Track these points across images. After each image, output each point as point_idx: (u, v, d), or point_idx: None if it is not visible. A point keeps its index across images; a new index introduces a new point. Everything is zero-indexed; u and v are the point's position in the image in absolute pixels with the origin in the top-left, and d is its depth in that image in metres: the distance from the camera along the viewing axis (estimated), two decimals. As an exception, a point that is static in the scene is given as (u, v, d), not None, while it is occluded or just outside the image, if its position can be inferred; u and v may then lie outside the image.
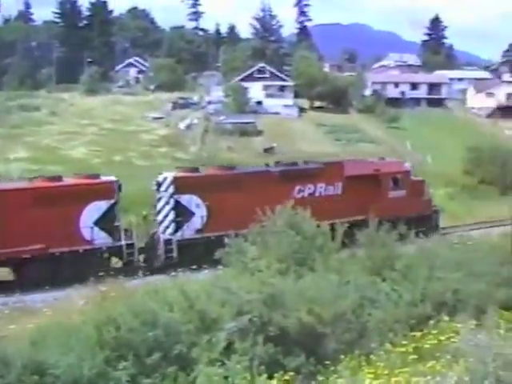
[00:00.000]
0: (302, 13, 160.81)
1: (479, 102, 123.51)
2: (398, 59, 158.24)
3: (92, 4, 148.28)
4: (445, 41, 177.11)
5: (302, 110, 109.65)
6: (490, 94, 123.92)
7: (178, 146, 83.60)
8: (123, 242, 33.84)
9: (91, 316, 14.27)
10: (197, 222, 35.75)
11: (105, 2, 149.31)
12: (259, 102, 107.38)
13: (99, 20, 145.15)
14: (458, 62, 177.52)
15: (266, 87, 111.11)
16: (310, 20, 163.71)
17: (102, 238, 33.98)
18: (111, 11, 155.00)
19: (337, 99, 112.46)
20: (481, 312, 12.70)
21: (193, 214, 35.74)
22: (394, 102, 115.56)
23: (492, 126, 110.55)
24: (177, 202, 35.59)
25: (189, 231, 35.55)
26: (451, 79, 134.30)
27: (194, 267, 29.64)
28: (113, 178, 35.59)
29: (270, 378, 12.19)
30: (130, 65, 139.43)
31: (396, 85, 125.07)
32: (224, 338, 13.42)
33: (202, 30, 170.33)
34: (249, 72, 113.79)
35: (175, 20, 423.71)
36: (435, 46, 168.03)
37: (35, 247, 31.62)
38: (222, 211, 35.27)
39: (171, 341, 13.44)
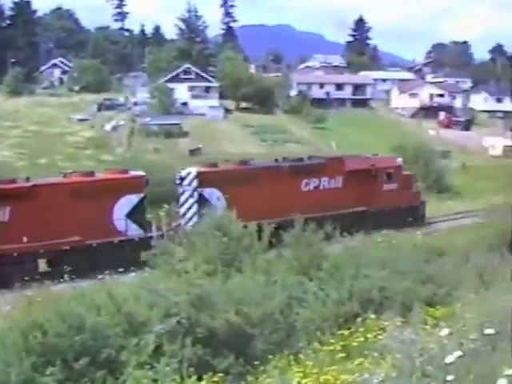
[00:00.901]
0: (228, 14, 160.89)
1: (403, 102, 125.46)
2: (322, 60, 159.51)
3: (15, 3, 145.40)
4: (369, 42, 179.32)
5: (227, 111, 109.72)
6: (414, 95, 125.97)
7: (104, 148, 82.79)
8: (154, 233, 34.35)
9: (17, 321, 14.01)
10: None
11: (28, 2, 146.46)
12: (185, 103, 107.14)
13: (23, 20, 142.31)
14: (382, 63, 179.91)
15: (191, 88, 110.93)
16: (235, 21, 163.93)
17: (133, 230, 36.42)
18: (35, 11, 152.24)
19: (262, 100, 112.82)
20: (407, 309, 12.85)
21: (212, 206, 35.66)
22: (319, 103, 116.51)
23: (416, 125, 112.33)
24: (200, 195, 38.40)
25: None
26: (375, 80, 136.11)
27: (121, 270, 29.80)
28: (142, 173, 38.47)
29: (200, 379, 12.13)
30: (55, 66, 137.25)
31: (321, 85, 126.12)
32: (152, 341, 13.31)
33: (127, 30, 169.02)
34: (174, 73, 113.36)
35: (100, 20, 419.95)
36: (359, 47, 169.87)
37: (73, 239, 33.57)
38: (240, 203, 35.34)
39: (99, 345, 13.27)
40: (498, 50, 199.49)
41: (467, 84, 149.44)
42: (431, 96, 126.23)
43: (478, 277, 16.64)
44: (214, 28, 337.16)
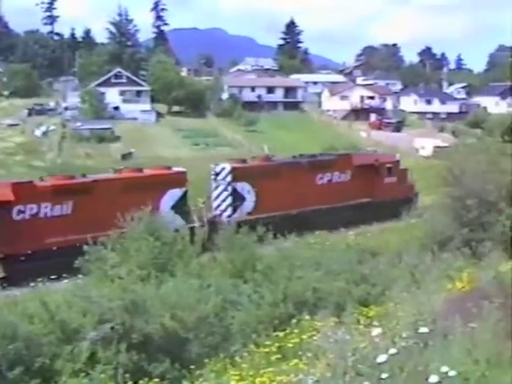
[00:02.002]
0: (159, 17, 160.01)
1: (334, 104, 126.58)
2: (254, 63, 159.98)
3: None
4: (300, 45, 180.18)
5: (159, 114, 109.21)
6: (345, 97, 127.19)
7: (35, 154, 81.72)
8: (196, 224, 37.28)
9: None
10: (248, 205, 42.42)
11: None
12: (116, 108, 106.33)
13: None
14: (313, 66, 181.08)
15: (122, 92, 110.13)
16: (166, 24, 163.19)
17: (177, 221, 37.16)
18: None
19: (194, 104, 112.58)
20: (341, 309, 12.96)
21: (244, 198, 42.40)
22: (251, 106, 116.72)
23: (347, 127, 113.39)
24: (233, 189, 42.08)
25: (242, 213, 41.20)
26: (306, 83, 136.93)
27: (54, 277, 29.53)
28: (183, 169, 42.13)
29: (135, 385, 12.07)
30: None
31: (252, 89, 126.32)
32: (87, 348, 13.17)
33: (57, 34, 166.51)
34: (105, 77, 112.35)
35: (30, 24, 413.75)
36: (291, 50, 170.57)
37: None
38: (266, 196, 42.26)
39: (33, 353, 13.09)
40: (426, 52, 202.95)
41: (397, 86, 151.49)
42: (362, 98, 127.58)
43: (410, 276, 16.86)
44: (145, 32, 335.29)
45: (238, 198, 42.12)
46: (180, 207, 39.77)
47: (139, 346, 13.65)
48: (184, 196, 40.38)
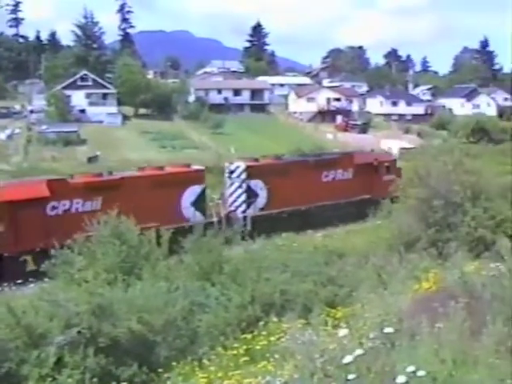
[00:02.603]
0: (125, 20, 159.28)
1: (301, 106, 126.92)
2: (220, 66, 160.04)
3: None
4: (266, 47, 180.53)
5: (126, 117, 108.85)
6: (311, 99, 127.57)
7: (0, 157, 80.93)
8: (215, 219, 41.82)
9: None
10: (261, 201, 45.00)
11: None
12: (82, 111, 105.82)
13: None
14: (280, 68, 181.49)
15: (88, 95, 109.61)
16: (132, 27, 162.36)
17: (197, 217, 41.46)
18: None
19: (161, 106, 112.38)
20: (308, 310, 12.99)
21: (257, 195, 44.86)
22: (217, 108, 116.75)
23: (314, 129, 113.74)
24: (248, 186, 44.54)
25: (255, 209, 44.48)
26: (273, 85, 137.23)
27: (20, 281, 29.42)
28: (202, 167, 44.69)
29: (103, 389, 12.01)
30: None
31: (219, 91, 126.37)
32: (53, 353, 13.06)
33: (22, 36, 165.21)
34: (71, 80, 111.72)
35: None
36: (257, 53, 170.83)
37: (154, 224, 33.63)
38: (277, 192, 44.77)
39: (-1, 358, 12.97)
40: (392, 54, 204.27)
41: (363, 88, 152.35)
42: (328, 100, 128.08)
43: (377, 277, 16.93)
44: (111, 34, 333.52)
45: (251, 195, 44.76)
46: (199, 203, 42.40)
47: (107, 349, 13.58)
48: (203, 192, 42.93)
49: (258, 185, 45.09)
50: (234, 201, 44.73)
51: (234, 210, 44.24)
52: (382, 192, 46.24)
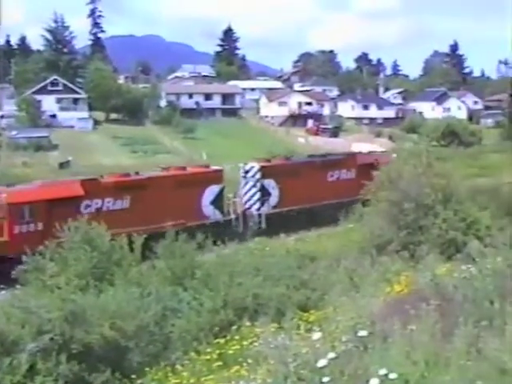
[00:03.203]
0: (96, 24, 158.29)
1: (272, 110, 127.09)
2: (192, 70, 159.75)
3: None
4: (237, 52, 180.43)
5: (97, 122, 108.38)
6: (283, 103, 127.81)
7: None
8: (233, 217, 45.41)
9: None
10: (273, 200, 47.64)
11: None
12: (53, 116, 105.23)
13: None
14: (251, 73, 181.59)
15: (59, 100, 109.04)
16: (103, 31, 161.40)
17: (216, 215, 44.56)
18: None
19: (132, 111, 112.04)
20: (281, 314, 12.98)
21: (270, 194, 47.46)
22: (189, 113, 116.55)
23: (285, 133, 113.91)
24: (262, 185, 47.15)
25: (268, 207, 47.11)
26: (244, 89, 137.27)
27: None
28: (221, 168, 47.68)
29: (76, 396, 11.94)
30: None
31: (190, 95, 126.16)
32: (26, 360, 12.96)
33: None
34: (42, 85, 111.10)
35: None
36: (228, 57, 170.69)
37: (178, 222, 38.07)
38: (288, 191, 47.30)
39: (-31, 367, 12.84)
40: (363, 58, 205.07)
41: (334, 92, 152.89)
42: (300, 104, 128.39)
43: (349, 280, 16.98)
44: (82, 39, 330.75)
45: (265, 194, 47.38)
46: (218, 202, 45.06)
47: (79, 356, 13.49)
48: (221, 192, 45.49)
49: (270, 184, 47.71)
50: (249, 199, 47.46)
51: (249, 208, 46.92)
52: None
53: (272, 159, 52.27)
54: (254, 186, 47.40)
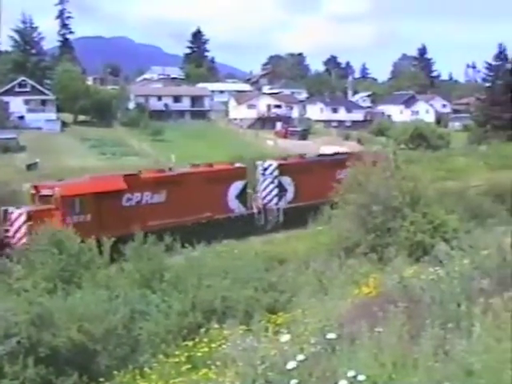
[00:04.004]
0: (64, 25, 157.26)
1: (241, 113, 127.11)
2: (160, 72, 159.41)
3: None
4: (206, 54, 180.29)
5: (65, 124, 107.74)
6: (252, 106, 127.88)
7: None
8: (255, 211, 48.77)
9: None
10: (289, 196, 50.63)
11: None
12: (21, 117, 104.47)
13: None
14: (220, 75, 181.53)
15: (27, 101, 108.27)
16: (72, 33, 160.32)
17: (240, 208, 48.19)
18: None
19: (101, 113, 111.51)
20: (249, 317, 12.98)
21: (286, 190, 50.34)
22: (158, 115, 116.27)
23: (254, 136, 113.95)
24: (279, 182, 50.21)
25: (285, 202, 49.92)
26: (213, 91, 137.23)
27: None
28: (244, 165, 51.10)
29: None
30: None
31: (159, 98, 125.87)
32: (-9, 363, 12.87)
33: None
34: (9, 86, 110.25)
35: None
36: (197, 59, 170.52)
37: (207, 214, 44.81)
38: (302, 187, 50.21)
39: None
40: (332, 61, 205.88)
41: (303, 95, 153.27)
42: (268, 107, 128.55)
43: (317, 282, 17.02)
44: (50, 40, 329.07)
45: (282, 190, 50.32)
46: (242, 196, 48.41)
47: (47, 359, 13.41)
48: (245, 187, 48.78)
49: (286, 181, 50.59)
50: (267, 195, 50.30)
51: (268, 203, 49.87)
52: None
53: (288, 158, 56.27)
54: (271, 182, 50.37)
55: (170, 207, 43.05)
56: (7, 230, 37.89)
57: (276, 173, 50.49)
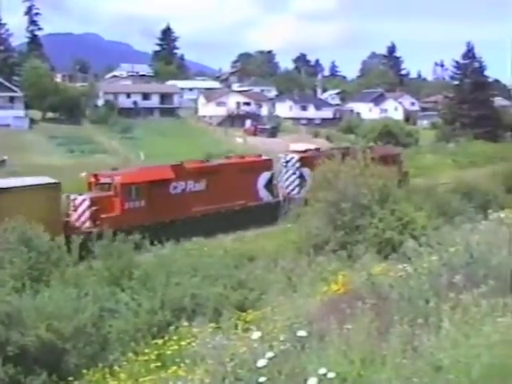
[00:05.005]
0: (33, 22, 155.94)
1: (210, 110, 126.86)
2: (130, 69, 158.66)
3: None
4: (176, 51, 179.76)
5: (33, 121, 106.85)
6: (221, 103, 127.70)
7: None
8: (281, 199, 52.28)
9: None
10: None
11: None
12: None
13: None
14: (189, 72, 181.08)
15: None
16: (40, 29, 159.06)
17: (268, 197, 52.47)
18: None
19: (69, 110, 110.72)
20: (219, 314, 12.98)
21: (306, 180, 50.90)
22: (127, 112, 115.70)
23: (223, 133, 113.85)
24: (300, 173, 53.63)
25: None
26: (182, 89, 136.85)
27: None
28: (271, 158, 55.36)
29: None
30: None
31: (128, 95, 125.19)
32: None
33: None
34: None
35: None
36: (167, 57, 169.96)
37: (241, 202, 49.02)
38: None
39: None
40: (301, 59, 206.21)
41: (272, 92, 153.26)
42: (238, 104, 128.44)
43: (286, 280, 17.05)
44: (18, 36, 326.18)
45: (303, 180, 52.82)
46: (269, 186, 52.49)
47: (15, 358, 13.33)
48: (272, 178, 52.88)
49: (306, 172, 51.93)
50: (289, 185, 54.29)
51: (290, 192, 53.56)
52: (389, 178, 56.21)
53: (308, 151, 58.82)
54: (293, 173, 54.41)
55: (210, 195, 47.22)
56: (70, 215, 41.29)
57: (297, 164, 54.25)
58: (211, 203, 46.56)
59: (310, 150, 59.91)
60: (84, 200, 41.50)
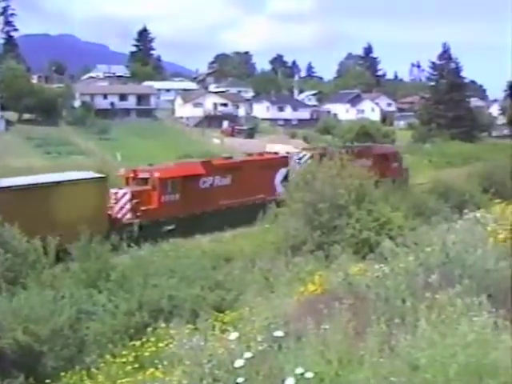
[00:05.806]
0: (8, 22, 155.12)
1: (187, 111, 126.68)
2: (106, 70, 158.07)
3: None
4: (153, 52, 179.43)
5: (9, 123, 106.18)
6: (198, 104, 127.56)
7: None
8: None
9: None
10: None
11: None
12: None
13: None
14: (166, 73, 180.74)
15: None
16: (16, 30, 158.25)
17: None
18: None
19: (46, 111, 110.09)
20: (196, 315, 12.97)
21: None
22: (103, 113, 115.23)
23: (200, 134, 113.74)
24: None
25: None
26: (159, 90, 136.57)
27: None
28: (287, 154, 59.00)
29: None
30: None
31: (105, 96, 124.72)
32: None
33: None
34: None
35: None
36: (143, 58, 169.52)
37: (261, 196, 50.29)
38: None
39: None
40: (278, 60, 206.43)
41: (249, 93, 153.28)
42: (215, 105, 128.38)
43: (264, 280, 17.07)
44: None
45: None
46: (285, 181, 50.84)
47: (-9, 361, 13.25)
48: (287, 174, 53.32)
49: None
50: None
51: None
52: (391, 175, 58.67)
53: (317, 148, 62.19)
54: None
55: (234, 189, 50.46)
56: (112, 207, 43.48)
57: (309, 161, 54.31)
58: (235, 197, 49.81)
59: (321, 148, 62.63)
60: (125, 193, 44.28)
